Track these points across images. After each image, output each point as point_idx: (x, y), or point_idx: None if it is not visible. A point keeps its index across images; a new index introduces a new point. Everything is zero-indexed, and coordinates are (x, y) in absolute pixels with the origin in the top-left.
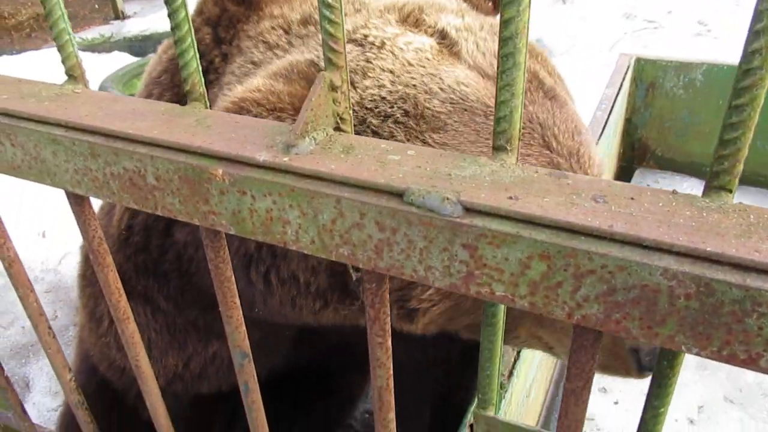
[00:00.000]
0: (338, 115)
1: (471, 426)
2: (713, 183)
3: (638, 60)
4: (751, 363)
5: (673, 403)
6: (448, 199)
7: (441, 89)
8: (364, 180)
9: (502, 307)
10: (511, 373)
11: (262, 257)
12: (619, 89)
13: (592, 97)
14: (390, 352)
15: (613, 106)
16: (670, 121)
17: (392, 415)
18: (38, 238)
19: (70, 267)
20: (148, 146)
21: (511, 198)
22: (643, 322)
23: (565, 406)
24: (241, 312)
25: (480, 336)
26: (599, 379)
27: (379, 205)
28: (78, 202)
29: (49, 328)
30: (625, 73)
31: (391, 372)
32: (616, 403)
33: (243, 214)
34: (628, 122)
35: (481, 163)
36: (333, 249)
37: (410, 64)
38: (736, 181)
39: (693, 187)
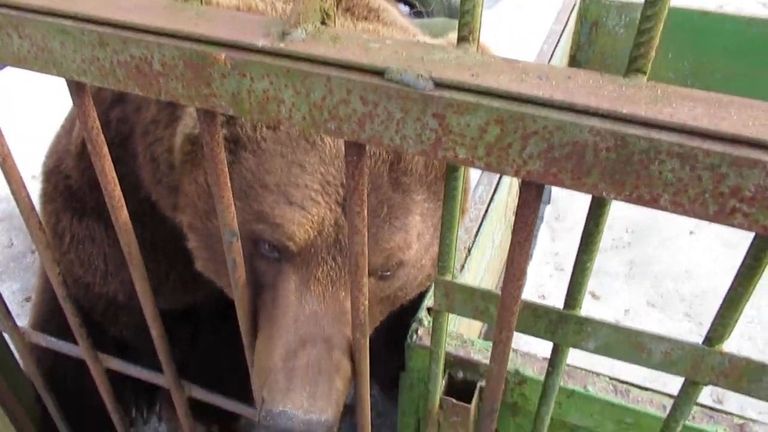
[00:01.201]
0: (324, 11)
1: (428, 309)
2: (631, 66)
3: None
4: (653, 203)
5: (602, 307)
6: (421, 76)
7: None
8: (350, 61)
9: (461, 177)
10: (470, 249)
11: None
12: (565, 26)
13: (541, 35)
14: (366, 221)
15: (558, 42)
16: (611, 58)
17: (365, 280)
18: None
19: None
20: (155, 35)
21: (472, 75)
22: (573, 174)
23: (511, 256)
24: (231, 194)
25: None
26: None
27: (363, 82)
28: (79, 93)
29: (40, 223)
30: (571, 11)
31: (366, 239)
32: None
33: (242, 95)
34: (573, 59)
35: (448, 51)
36: (322, 124)
37: None
38: (649, 64)
39: None
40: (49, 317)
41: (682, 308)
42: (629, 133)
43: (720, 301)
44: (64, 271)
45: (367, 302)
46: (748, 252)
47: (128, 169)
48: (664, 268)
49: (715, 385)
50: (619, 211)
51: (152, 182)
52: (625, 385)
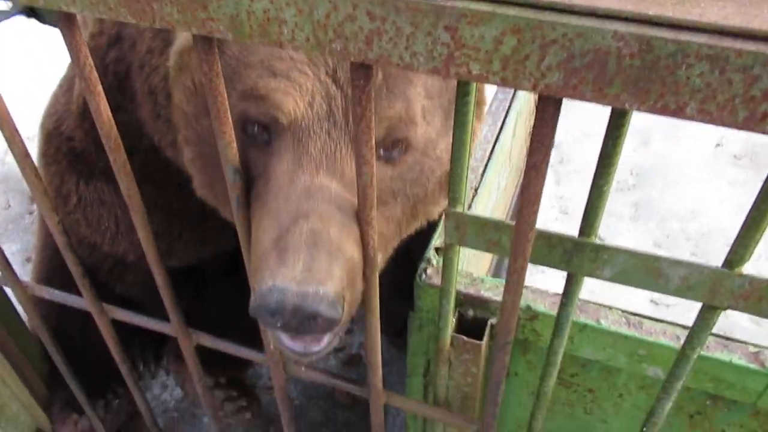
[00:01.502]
0: None
1: (437, 249)
2: None
3: None
4: (679, 112)
5: None
6: None
7: None
8: None
9: (472, 101)
10: (476, 189)
11: None
12: None
13: None
14: (374, 150)
15: None
16: None
17: (374, 212)
18: None
19: None
20: None
21: None
22: (595, 85)
23: (527, 180)
24: (232, 129)
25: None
26: None
27: None
28: (69, 27)
29: (36, 170)
30: None
31: (375, 166)
32: None
33: (241, 17)
34: None
35: None
36: (326, 45)
37: None
38: None
39: None
40: (52, 275)
41: (689, 247)
42: (656, 36)
43: (727, 239)
44: (68, 230)
45: (376, 237)
46: None
47: (129, 116)
48: (669, 209)
49: (734, 308)
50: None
51: (152, 118)
52: (637, 317)
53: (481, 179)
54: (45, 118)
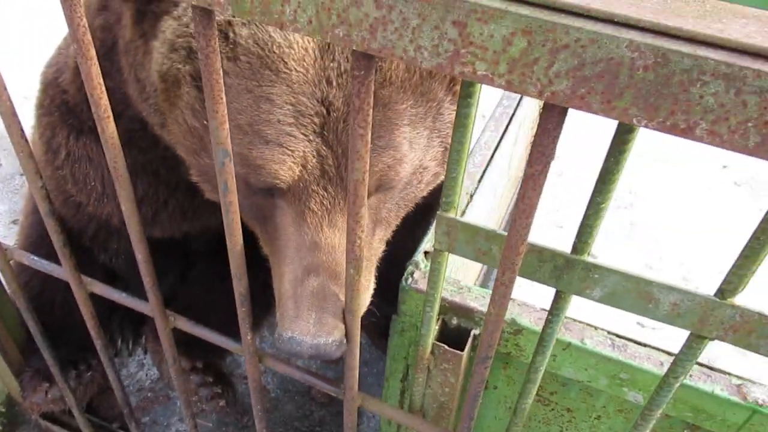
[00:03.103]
0: None
1: (425, 252)
2: None
3: None
4: (689, 132)
5: None
6: None
7: None
8: None
9: (476, 103)
10: (472, 195)
11: None
12: None
13: None
14: (369, 145)
15: None
16: None
17: (365, 210)
18: None
19: None
20: None
21: None
22: (603, 96)
23: (524, 191)
24: (225, 108)
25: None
26: None
27: None
28: None
29: (22, 131)
30: None
31: (368, 166)
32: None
33: None
34: None
35: None
36: (329, 29)
37: None
38: None
39: None
40: (39, 242)
41: (681, 272)
42: (672, 49)
43: (722, 267)
44: (55, 188)
45: (363, 235)
46: None
47: (115, 83)
48: (665, 230)
49: (722, 340)
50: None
51: (139, 100)
52: (623, 340)
53: (478, 185)
54: (46, 68)
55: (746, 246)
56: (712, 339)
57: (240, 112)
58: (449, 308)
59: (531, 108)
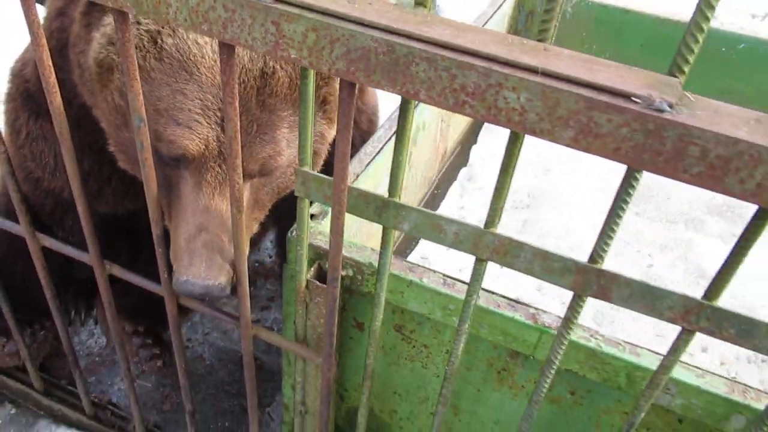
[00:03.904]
0: None
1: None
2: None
3: None
4: (416, 95)
5: None
6: None
7: None
8: None
9: (311, 81)
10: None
11: None
12: (497, 9)
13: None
14: (237, 110)
15: (486, 22)
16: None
17: (239, 161)
18: None
19: None
20: None
21: None
22: (365, 72)
23: (338, 143)
24: (140, 85)
25: None
26: None
27: None
28: None
29: None
30: None
31: (238, 125)
32: None
33: None
34: None
35: None
36: (198, 25)
37: None
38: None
39: None
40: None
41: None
42: (396, 42)
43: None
44: (18, 166)
45: (241, 180)
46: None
47: (66, 75)
48: (550, 226)
49: (492, 260)
50: (523, 180)
51: (81, 84)
52: (452, 280)
53: (364, 169)
54: (15, 61)
55: (609, 212)
56: (484, 260)
57: (160, 99)
58: (323, 254)
59: (433, 115)
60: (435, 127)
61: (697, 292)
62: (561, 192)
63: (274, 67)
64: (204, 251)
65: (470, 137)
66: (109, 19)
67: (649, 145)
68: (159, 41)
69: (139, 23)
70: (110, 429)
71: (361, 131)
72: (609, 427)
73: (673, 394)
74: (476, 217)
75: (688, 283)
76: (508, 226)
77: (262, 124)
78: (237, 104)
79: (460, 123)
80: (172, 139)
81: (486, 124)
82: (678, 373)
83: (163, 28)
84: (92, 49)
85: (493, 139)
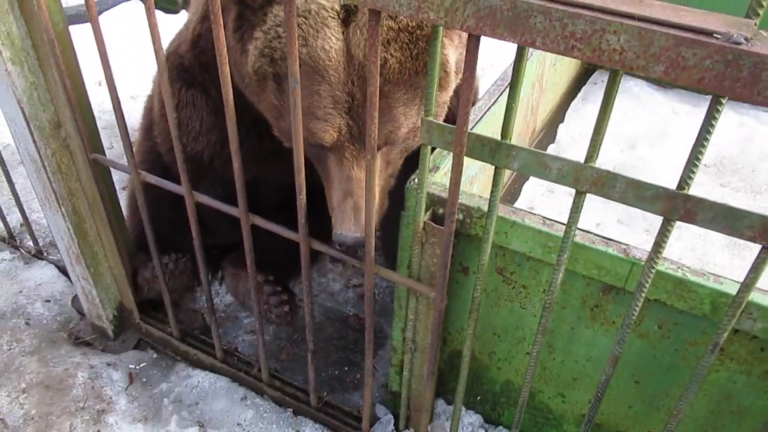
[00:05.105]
0: None
1: None
2: None
3: None
4: (532, 44)
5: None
6: None
7: None
8: None
9: (439, 42)
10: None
11: None
12: None
13: None
14: (378, 76)
15: None
16: None
17: (375, 149)
18: (96, 87)
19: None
20: None
21: None
22: (491, 27)
23: (463, 91)
24: (298, 52)
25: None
26: None
27: None
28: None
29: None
30: None
31: (378, 86)
32: None
33: None
34: None
35: None
36: None
37: None
38: None
39: (640, 86)
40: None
41: (644, 225)
42: None
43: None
44: (164, 139)
45: (376, 135)
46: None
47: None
48: None
49: (590, 192)
50: (609, 155)
51: (242, 86)
52: (551, 221)
53: (480, 118)
54: (169, 44)
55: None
56: (584, 192)
57: (303, 97)
58: (437, 202)
59: (525, 93)
60: (526, 104)
61: None
62: (646, 167)
63: (385, 57)
64: (351, 212)
65: (558, 116)
66: (258, 34)
67: (728, 73)
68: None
69: (280, 37)
70: (237, 371)
71: None
72: (695, 359)
73: (755, 318)
74: (561, 192)
75: None
76: (593, 199)
77: (381, 108)
78: (378, 62)
79: (549, 101)
80: (314, 131)
81: (573, 105)
82: (759, 297)
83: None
84: (249, 61)
85: (580, 118)
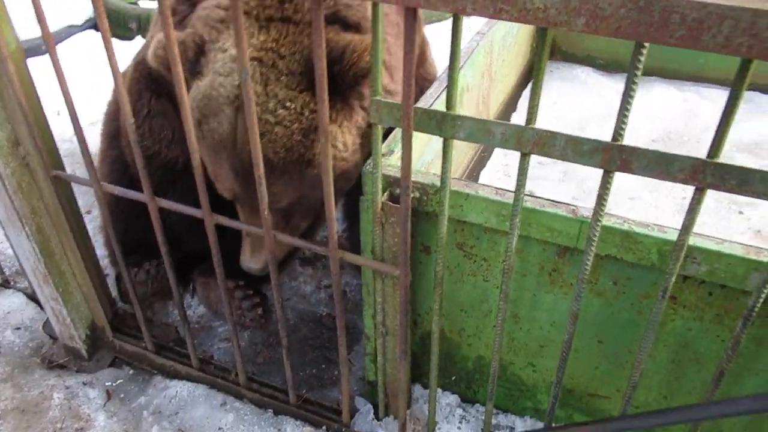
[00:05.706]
0: None
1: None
2: None
3: None
4: (463, 10)
5: None
6: None
7: None
8: None
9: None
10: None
11: None
12: None
13: None
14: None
15: None
16: None
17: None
18: (55, 116)
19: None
20: None
21: None
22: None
23: (405, 66)
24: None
25: None
26: None
27: None
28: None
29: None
30: None
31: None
32: None
33: None
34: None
35: None
36: None
37: None
38: None
39: (587, 73)
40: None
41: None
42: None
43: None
44: (135, 144)
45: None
46: None
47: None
48: (586, 173)
49: (533, 153)
50: None
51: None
52: (503, 191)
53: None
54: (136, 54)
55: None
56: (527, 153)
57: (208, 163)
58: (393, 182)
59: (475, 80)
60: (477, 93)
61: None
62: None
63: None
64: (249, 248)
65: (510, 106)
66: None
67: (642, 19)
68: (201, 125)
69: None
70: (215, 378)
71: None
72: (650, 311)
73: (699, 261)
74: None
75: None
76: (550, 178)
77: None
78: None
79: (500, 92)
80: (218, 188)
81: (524, 94)
82: (701, 241)
83: (204, 116)
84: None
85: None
